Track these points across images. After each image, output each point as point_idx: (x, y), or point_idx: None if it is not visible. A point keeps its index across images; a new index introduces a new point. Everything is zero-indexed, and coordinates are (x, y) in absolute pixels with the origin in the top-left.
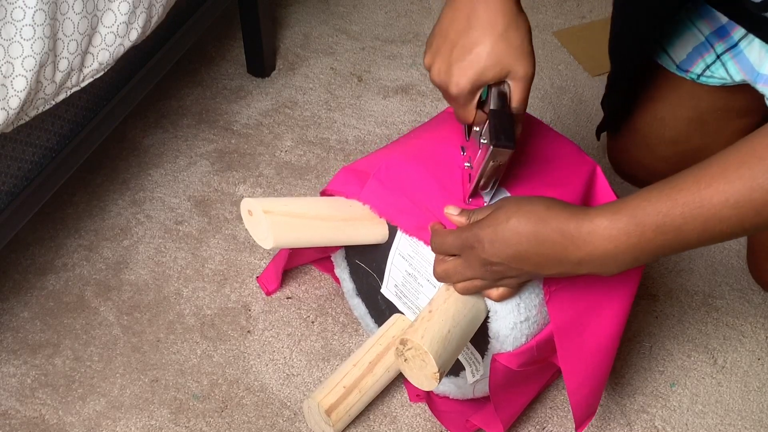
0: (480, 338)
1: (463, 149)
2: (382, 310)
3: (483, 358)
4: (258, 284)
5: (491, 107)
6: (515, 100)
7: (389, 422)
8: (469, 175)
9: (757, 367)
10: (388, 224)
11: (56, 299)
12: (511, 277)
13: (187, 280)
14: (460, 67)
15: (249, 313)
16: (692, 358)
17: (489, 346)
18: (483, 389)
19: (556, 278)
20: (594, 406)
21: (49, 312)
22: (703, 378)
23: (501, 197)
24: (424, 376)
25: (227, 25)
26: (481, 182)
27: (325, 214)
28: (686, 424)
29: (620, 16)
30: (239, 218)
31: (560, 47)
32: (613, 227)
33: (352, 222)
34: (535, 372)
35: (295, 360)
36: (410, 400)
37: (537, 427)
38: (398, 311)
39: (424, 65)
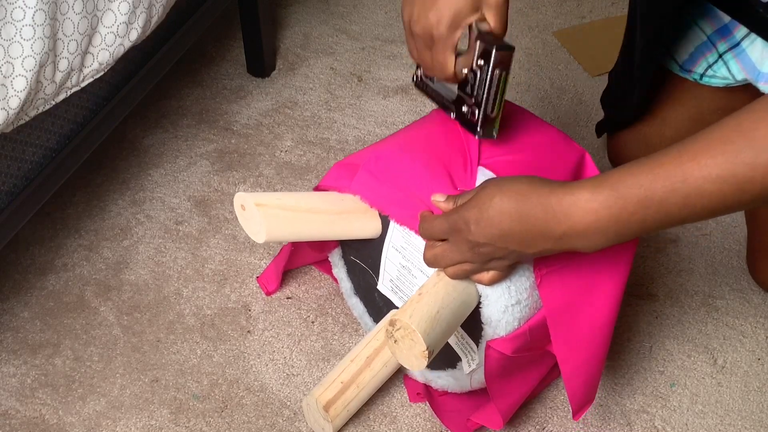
0: (474, 325)
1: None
2: (379, 307)
3: (478, 346)
4: (258, 284)
5: (477, 32)
6: (493, 27)
7: (389, 422)
8: (471, 111)
9: (757, 367)
10: (381, 218)
11: (56, 299)
12: (499, 258)
13: (187, 280)
14: (438, 8)
15: (249, 313)
16: (692, 358)
17: (483, 333)
18: (480, 379)
19: (547, 261)
20: (591, 394)
21: (49, 312)
22: (703, 378)
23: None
24: (414, 355)
25: (227, 25)
26: (489, 103)
27: (318, 207)
28: (686, 424)
29: (632, 17)
30: None
31: (560, 47)
32: (593, 200)
33: (345, 215)
34: (531, 361)
35: (295, 360)
36: (410, 400)
37: (537, 427)
38: (395, 308)
39: (403, 21)
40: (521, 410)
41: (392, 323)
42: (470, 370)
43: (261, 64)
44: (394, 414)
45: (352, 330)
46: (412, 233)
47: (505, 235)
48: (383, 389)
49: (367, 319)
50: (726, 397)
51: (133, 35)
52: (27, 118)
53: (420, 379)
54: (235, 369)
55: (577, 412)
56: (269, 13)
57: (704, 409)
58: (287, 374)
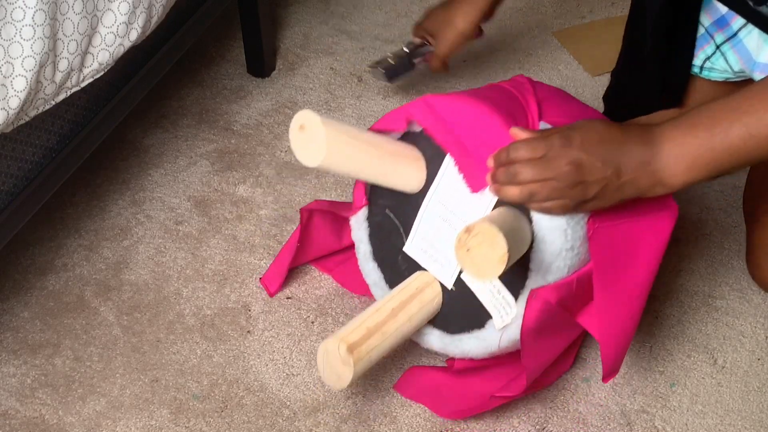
0: (515, 277)
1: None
2: (401, 271)
3: (517, 299)
4: (260, 285)
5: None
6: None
7: (389, 422)
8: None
9: (757, 367)
10: (427, 172)
11: (56, 299)
12: (589, 183)
13: (187, 280)
14: None
15: (249, 313)
16: (692, 358)
17: (527, 282)
18: (511, 337)
19: (599, 216)
20: (620, 358)
21: (49, 312)
22: (703, 378)
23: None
24: (490, 262)
25: (227, 25)
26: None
27: (375, 141)
28: (686, 424)
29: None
30: (239, 218)
31: (560, 47)
32: (674, 128)
33: (396, 158)
34: (563, 326)
35: (295, 360)
36: (403, 395)
37: (537, 427)
38: (422, 269)
39: None
40: (521, 410)
41: (468, 230)
42: (503, 326)
43: (261, 64)
44: (394, 414)
45: None
46: (463, 183)
47: (605, 148)
48: (383, 389)
49: (378, 290)
50: (726, 397)
51: (133, 35)
52: (27, 118)
53: (437, 345)
54: (235, 369)
55: (607, 375)
56: (269, 13)
57: (704, 409)
58: (287, 374)
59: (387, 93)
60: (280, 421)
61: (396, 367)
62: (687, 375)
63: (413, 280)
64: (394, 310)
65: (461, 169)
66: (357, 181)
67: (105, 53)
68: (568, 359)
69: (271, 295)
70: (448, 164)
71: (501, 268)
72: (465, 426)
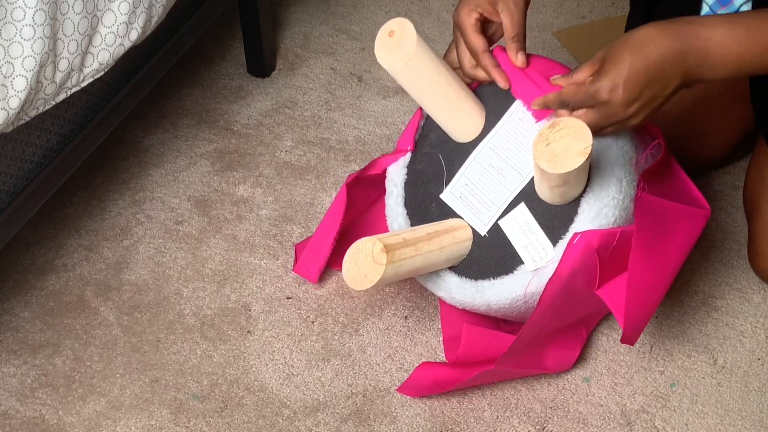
0: (562, 221)
1: None
2: (431, 219)
3: (555, 245)
4: (297, 275)
5: None
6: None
7: (389, 422)
8: None
9: (757, 367)
10: (484, 124)
11: (56, 299)
12: (641, 101)
13: (187, 280)
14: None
15: (249, 313)
16: (692, 358)
17: (571, 226)
18: (539, 283)
19: (648, 178)
20: (638, 331)
21: (49, 312)
22: (703, 378)
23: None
24: (570, 154)
25: (227, 25)
26: None
27: (453, 73)
28: (686, 424)
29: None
30: (239, 218)
31: (560, 47)
32: (728, 35)
33: (465, 96)
34: (582, 298)
35: (295, 360)
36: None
37: (537, 427)
38: (456, 216)
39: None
40: (521, 410)
41: (553, 125)
42: (535, 269)
43: (261, 64)
44: (394, 414)
45: (352, 330)
46: (521, 132)
47: (646, 75)
48: (383, 389)
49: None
50: (726, 397)
51: (133, 35)
52: (27, 118)
53: (455, 291)
54: (235, 369)
55: (625, 339)
56: (269, 13)
57: (704, 409)
58: (287, 374)
59: (387, 93)
60: (280, 421)
61: (396, 367)
62: (687, 375)
63: (448, 221)
64: (430, 235)
65: (527, 103)
66: (408, 126)
67: (105, 53)
68: (575, 347)
69: (315, 281)
70: (510, 115)
71: (581, 161)
72: (465, 426)
